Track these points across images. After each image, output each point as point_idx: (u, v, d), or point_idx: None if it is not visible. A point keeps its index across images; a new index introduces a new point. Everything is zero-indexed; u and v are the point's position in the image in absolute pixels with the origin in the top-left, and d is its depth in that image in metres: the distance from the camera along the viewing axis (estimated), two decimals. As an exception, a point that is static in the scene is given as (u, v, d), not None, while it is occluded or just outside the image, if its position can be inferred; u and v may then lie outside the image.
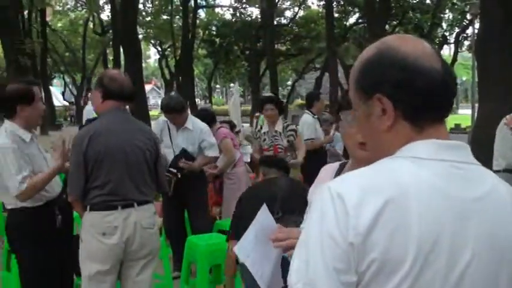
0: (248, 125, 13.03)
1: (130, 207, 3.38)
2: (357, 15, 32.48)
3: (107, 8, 34.62)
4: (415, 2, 29.75)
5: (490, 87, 10.34)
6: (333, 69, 24.70)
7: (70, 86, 44.06)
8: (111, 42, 33.10)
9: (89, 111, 11.09)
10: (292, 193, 3.67)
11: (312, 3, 45.87)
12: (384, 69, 1.16)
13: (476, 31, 20.84)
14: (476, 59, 12.88)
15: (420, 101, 1.14)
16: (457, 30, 32.22)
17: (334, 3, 28.99)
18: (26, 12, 26.88)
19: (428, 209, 1.06)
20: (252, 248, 1.83)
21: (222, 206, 6.44)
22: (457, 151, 1.15)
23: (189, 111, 5.69)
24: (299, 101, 43.04)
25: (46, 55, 32.48)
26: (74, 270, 3.78)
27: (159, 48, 43.78)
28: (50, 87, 35.39)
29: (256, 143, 6.62)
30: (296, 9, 36.45)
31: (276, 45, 31.82)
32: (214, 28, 37.84)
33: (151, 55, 66.98)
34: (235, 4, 36.72)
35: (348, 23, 32.95)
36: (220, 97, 70.94)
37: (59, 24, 42.18)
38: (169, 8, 35.48)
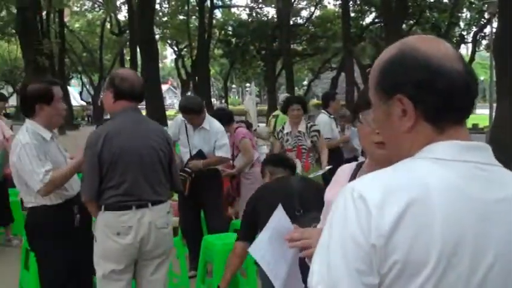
0: (264, 124, 13.02)
1: (145, 207, 3.38)
2: (374, 14, 32.33)
3: (124, 8, 34.82)
4: (432, 1, 29.51)
5: (508, 87, 10.24)
6: (349, 69, 24.61)
7: (87, 86, 44.43)
8: (128, 43, 33.35)
9: None
10: (307, 190, 3.64)
11: (328, 3, 45.80)
12: (404, 69, 1.15)
13: (494, 30, 20.65)
14: (494, 59, 12.77)
15: (441, 102, 1.13)
16: (474, 29, 31.94)
17: (351, 2, 28.85)
18: (44, 13, 27.10)
19: (452, 211, 1.05)
20: (267, 248, 1.83)
21: (239, 206, 6.44)
22: (479, 152, 1.14)
23: (206, 111, 5.70)
24: (315, 100, 42.95)
25: (64, 55, 32.77)
26: (93, 270, 3.81)
27: (176, 49, 43.93)
28: (68, 87, 35.67)
29: (277, 143, 6.56)
30: (312, 8, 36.41)
31: (292, 45, 31.77)
32: (230, 28, 37.88)
33: (168, 55, 67.20)
34: (252, 4, 36.76)
35: (364, 23, 32.79)
36: (236, 97, 71.00)
37: (77, 25, 42.51)
38: (186, 8, 35.60)
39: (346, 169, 1.92)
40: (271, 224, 1.86)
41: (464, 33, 33.25)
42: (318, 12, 36.46)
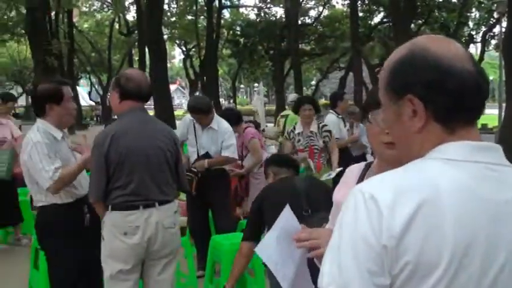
0: (272, 124, 13.02)
1: (152, 207, 3.39)
2: (382, 14, 32.26)
3: (133, 8, 34.95)
4: (441, 0, 29.41)
5: (518, 87, 10.18)
6: (357, 68, 24.58)
7: (96, 86, 44.53)
8: (136, 43, 33.42)
9: None
10: (315, 190, 3.62)
11: (337, 3, 45.78)
12: (415, 70, 1.15)
13: (503, 30, 20.54)
14: (504, 58, 12.71)
15: (452, 103, 1.12)
16: (483, 29, 31.79)
17: (359, 2, 28.80)
18: (53, 14, 27.23)
19: (463, 212, 1.05)
20: (274, 248, 1.82)
21: (247, 206, 6.44)
22: (490, 153, 1.14)
23: (214, 111, 5.71)
24: (323, 100, 42.91)
25: (73, 56, 32.90)
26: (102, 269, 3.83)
27: (184, 49, 44.01)
28: (77, 87, 35.80)
29: (287, 143, 6.54)
30: (320, 8, 36.38)
31: (300, 45, 31.75)
32: (238, 28, 37.90)
33: (176, 55, 67.33)
34: (260, 4, 36.75)
35: (372, 22, 32.73)
36: (245, 97, 71.02)
37: (86, 25, 42.67)
38: (194, 8, 35.63)
39: (354, 169, 1.91)
40: (278, 224, 1.85)
41: (473, 32, 33.09)
42: (326, 12, 36.43)
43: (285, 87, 35.18)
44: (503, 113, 14.86)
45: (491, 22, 30.87)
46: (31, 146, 3.51)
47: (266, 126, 12.01)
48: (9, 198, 6.73)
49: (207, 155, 5.52)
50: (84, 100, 43.25)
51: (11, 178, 6.53)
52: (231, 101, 47.35)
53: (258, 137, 6.67)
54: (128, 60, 39.72)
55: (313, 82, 51.43)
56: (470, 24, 32.63)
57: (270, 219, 3.51)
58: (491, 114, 26.21)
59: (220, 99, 39.56)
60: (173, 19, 37.99)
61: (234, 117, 6.28)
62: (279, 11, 48.33)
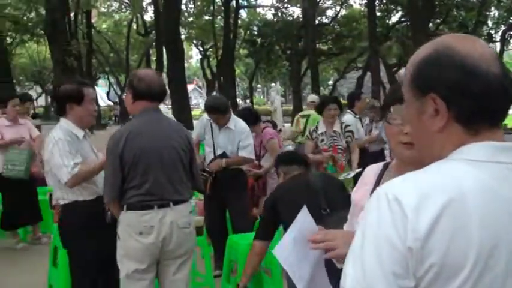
0: (289, 124, 12.98)
1: (167, 207, 3.40)
2: (400, 13, 32.04)
3: (150, 9, 35.13)
4: (459, -1, 29.17)
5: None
6: (374, 68, 24.43)
7: (114, 86, 44.85)
8: (154, 43, 33.61)
9: None
10: (332, 188, 3.59)
11: (354, 2, 45.39)
12: (439, 69, 1.13)
13: (523, 29, 20.31)
14: (524, 57, 12.55)
15: (475, 105, 1.11)
16: (503, 28, 31.41)
17: (377, 1, 28.61)
18: (72, 14, 27.47)
19: (487, 212, 1.04)
20: (291, 250, 1.82)
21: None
22: None
23: (231, 111, 5.72)
24: (341, 100, 42.67)
25: (91, 56, 33.20)
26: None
27: (201, 49, 44.13)
28: (95, 87, 36.07)
29: (310, 143, 6.50)
30: (338, 8, 36.23)
31: (317, 45, 31.65)
32: (255, 28, 37.90)
33: (194, 55, 67.56)
34: (277, 4, 36.73)
35: (390, 22, 32.53)
36: (262, 97, 71.00)
37: (104, 26, 42.98)
38: (211, 8, 35.74)
39: (372, 169, 1.90)
40: (295, 226, 1.84)
41: (492, 31, 32.70)
42: (343, 12, 36.29)
43: (302, 87, 35.09)
44: (523, 113, 14.70)
45: (510, 21, 30.51)
46: (53, 144, 3.62)
47: (283, 126, 11.99)
48: (28, 198, 6.80)
49: (224, 155, 5.54)
50: (103, 100, 43.56)
51: (29, 178, 6.60)
52: (247, 100, 47.36)
53: (277, 137, 6.67)
54: (146, 61, 39.95)
55: (330, 82, 51.27)
56: (489, 23, 32.28)
57: (286, 218, 3.50)
58: (511, 114, 25.94)
59: (237, 99, 39.61)
60: (190, 19, 38.12)
61: (252, 117, 6.29)
62: (296, 11, 48.33)
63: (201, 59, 45.33)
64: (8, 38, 33.69)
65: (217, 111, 5.50)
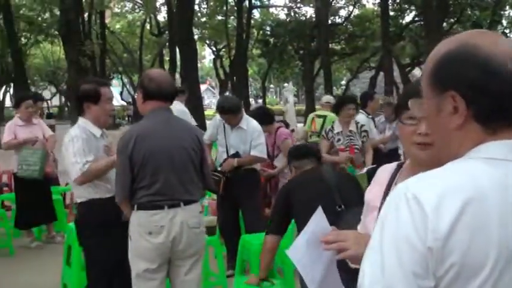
0: (301, 125, 12.95)
1: (177, 207, 3.41)
2: (413, 13, 31.85)
3: (164, 9, 35.22)
4: (473, -1, 28.93)
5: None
6: (387, 68, 24.33)
7: (128, 86, 45.03)
8: (167, 43, 33.71)
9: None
10: (345, 183, 3.57)
11: (367, 2, 45.30)
12: (460, 67, 1.11)
13: (539, 28, 20.12)
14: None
15: (495, 104, 1.09)
16: (518, 27, 31.17)
17: (390, 1, 28.49)
18: (86, 15, 27.63)
19: (505, 211, 1.03)
20: (304, 251, 1.82)
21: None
22: None
23: (243, 111, 5.72)
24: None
25: (105, 56, 33.38)
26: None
27: (214, 49, 44.18)
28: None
29: (325, 143, 6.49)
30: (351, 8, 36.08)
31: (330, 45, 31.55)
32: (268, 28, 37.84)
33: (206, 55, 67.64)
34: (290, 4, 36.67)
35: (404, 21, 32.33)
36: (274, 97, 70.97)
37: (117, 26, 43.17)
38: (224, 8, 35.76)
39: (386, 170, 1.89)
40: (309, 227, 1.84)
41: (507, 31, 32.41)
42: (356, 11, 36.13)
43: (314, 87, 35.01)
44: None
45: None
46: (69, 140, 3.70)
47: (296, 126, 11.97)
48: (43, 197, 6.85)
49: (236, 155, 5.54)
50: (116, 100, 43.67)
51: (43, 177, 6.65)
52: (258, 100, 47.33)
53: (291, 138, 6.67)
54: (159, 61, 40.07)
55: (343, 82, 51.13)
56: (504, 22, 31.97)
57: (299, 214, 3.50)
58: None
59: (250, 99, 39.62)
60: (203, 19, 38.17)
61: (266, 117, 6.30)
62: (309, 11, 48.23)
63: (214, 59, 45.37)
64: (22, 39, 34.05)
65: (229, 111, 5.51)
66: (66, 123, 21.31)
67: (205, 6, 38.21)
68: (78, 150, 3.64)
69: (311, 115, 8.67)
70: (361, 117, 7.31)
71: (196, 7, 31.58)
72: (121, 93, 47.28)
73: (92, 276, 3.85)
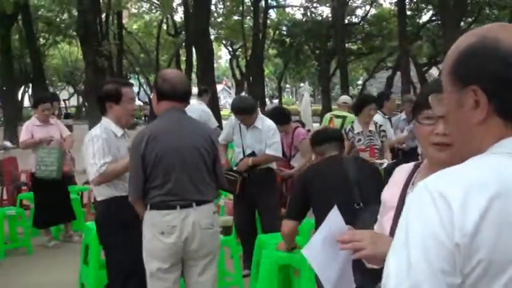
0: (317, 124, 12.90)
1: (189, 207, 3.40)
2: (431, 12, 31.63)
3: (180, 9, 35.34)
4: (492, -3, 28.64)
5: None
6: (404, 68, 24.18)
7: (144, 86, 45.28)
8: (184, 43, 33.80)
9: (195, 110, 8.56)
10: (365, 176, 3.53)
11: (384, 1, 45.15)
12: (481, 61, 1.09)
13: (559, 27, 19.84)
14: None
15: None
16: (537, 26, 30.74)
17: (407, 0, 28.33)
18: (103, 16, 27.80)
19: None
20: (320, 250, 1.81)
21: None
22: None
23: (259, 111, 5.72)
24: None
25: (122, 56, 33.56)
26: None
27: (230, 49, 44.22)
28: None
29: (345, 143, 6.48)
30: (367, 7, 35.90)
31: (346, 44, 31.46)
32: (284, 28, 37.81)
33: (223, 55, 67.69)
34: (306, 4, 36.59)
35: (421, 21, 32.12)
36: (290, 97, 70.89)
37: (134, 27, 43.41)
38: (241, 8, 35.77)
39: (403, 170, 1.88)
40: (325, 226, 1.84)
41: (527, 30, 32.04)
42: (373, 11, 35.93)
43: (331, 87, 34.92)
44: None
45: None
46: (88, 140, 3.75)
47: (312, 126, 11.94)
48: (61, 197, 6.91)
49: (252, 154, 5.54)
50: (133, 100, 43.95)
51: (60, 177, 6.71)
52: (274, 100, 47.28)
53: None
54: (176, 61, 40.20)
55: (360, 82, 50.89)
56: (523, 21, 31.68)
57: (317, 204, 3.49)
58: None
59: (266, 99, 39.61)
60: (220, 20, 38.22)
61: (282, 117, 6.29)
62: (325, 11, 48.05)
63: (230, 59, 45.45)
64: (41, 39, 34.40)
65: (244, 111, 5.51)
66: (84, 123, 21.48)
67: (222, 6, 38.27)
68: (98, 150, 3.68)
69: (328, 115, 8.63)
70: (378, 117, 7.27)
71: (212, 7, 31.64)
72: (138, 93, 47.49)
73: (111, 273, 3.89)
